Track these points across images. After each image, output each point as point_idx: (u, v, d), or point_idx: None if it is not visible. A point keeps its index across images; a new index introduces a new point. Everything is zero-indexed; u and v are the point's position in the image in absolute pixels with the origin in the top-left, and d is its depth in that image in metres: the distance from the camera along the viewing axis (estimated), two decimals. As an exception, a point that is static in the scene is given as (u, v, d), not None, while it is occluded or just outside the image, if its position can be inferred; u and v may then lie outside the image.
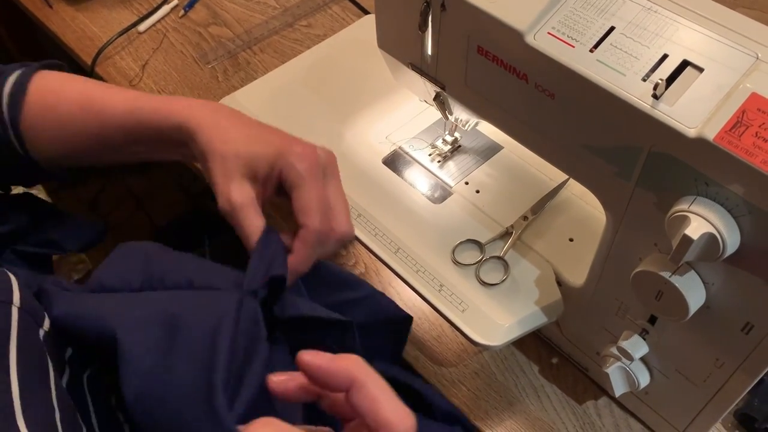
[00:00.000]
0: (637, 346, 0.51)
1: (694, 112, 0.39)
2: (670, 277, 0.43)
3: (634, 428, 0.59)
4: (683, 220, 0.40)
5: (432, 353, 0.64)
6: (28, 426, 0.39)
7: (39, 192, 1.01)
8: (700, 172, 0.39)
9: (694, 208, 0.40)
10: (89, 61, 0.88)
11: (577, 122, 0.45)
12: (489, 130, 0.67)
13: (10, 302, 0.42)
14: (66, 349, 0.48)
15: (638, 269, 0.45)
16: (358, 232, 0.61)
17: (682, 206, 0.40)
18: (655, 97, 0.40)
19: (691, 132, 0.38)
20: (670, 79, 0.40)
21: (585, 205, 0.61)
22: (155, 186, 1.52)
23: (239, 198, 0.49)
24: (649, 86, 0.40)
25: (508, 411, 0.60)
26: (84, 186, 1.56)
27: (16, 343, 0.41)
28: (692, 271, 0.43)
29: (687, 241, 0.39)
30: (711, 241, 0.39)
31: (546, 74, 0.45)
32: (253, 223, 0.50)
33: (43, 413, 0.41)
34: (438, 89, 0.55)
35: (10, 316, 0.42)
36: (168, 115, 0.53)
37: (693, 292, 0.43)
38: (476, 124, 0.61)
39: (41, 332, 0.45)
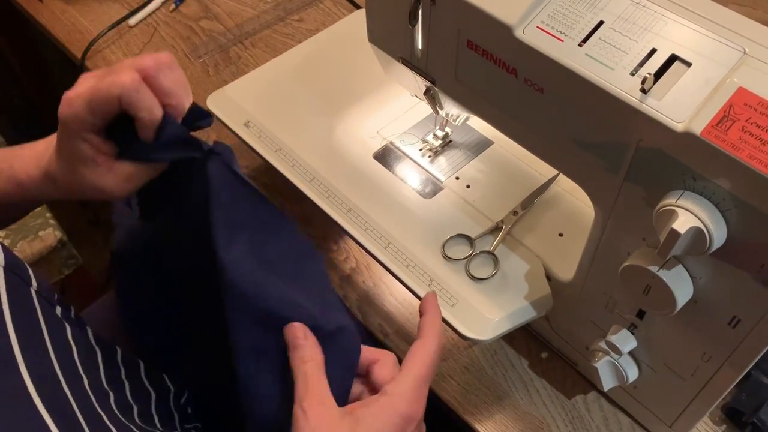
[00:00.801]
0: (625, 341, 0.51)
1: (681, 107, 0.39)
2: (657, 271, 0.43)
3: (623, 422, 0.59)
4: (671, 215, 0.40)
5: (422, 348, 0.64)
6: (33, 381, 0.39)
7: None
8: (688, 167, 0.39)
9: (681, 202, 0.40)
10: (79, 55, 0.87)
11: (566, 117, 0.45)
12: (480, 125, 0.67)
13: None
14: (55, 308, 0.48)
15: (626, 263, 0.45)
16: (348, 227, 0.61)
17: (669, 200, 0.40)
18: (643, 91, 0.40)
19: (679, 126, 0.38)
20: (658, 74, 0.40)
21: (574, 200, 0.61)
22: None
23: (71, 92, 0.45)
24: (637, 80, 0.40)
25: (497, 405, 0.60)
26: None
27: (8, 303, 0.42)
28: (680, 265, 0.44)
29: (674, 235, 0.39)
30: (698, 236, 0.39)
31: (535, 68, 0.45)
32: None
33: (45, 366, 0.42)
34: (428, 84, 0.55)
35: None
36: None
37: (680, 286, 0.43)
38: (467, 118, 0.61)
39: (31, 290, 0.45)
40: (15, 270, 0.44)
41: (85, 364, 0.47)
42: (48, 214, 0.98)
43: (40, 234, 0.96)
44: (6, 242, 0.95)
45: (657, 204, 0.41)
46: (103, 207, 1.52)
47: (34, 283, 0.46)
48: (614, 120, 0.42)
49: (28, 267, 0.46)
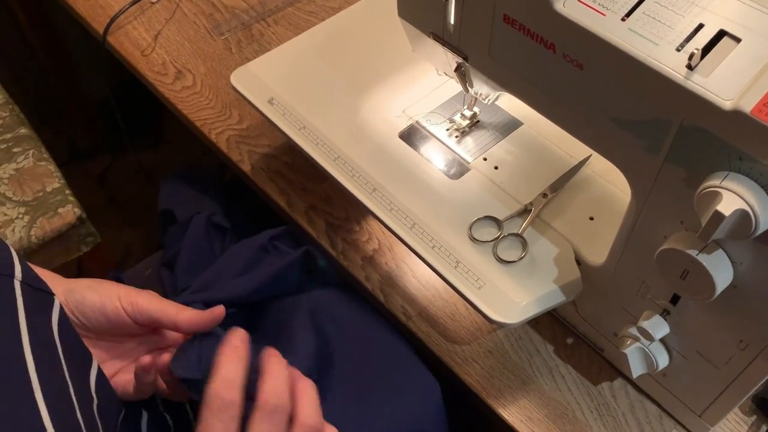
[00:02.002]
0: (658, 327, 0.50)
1: (730, 84, 0.38)
2: (697, 255, 0.42)
3: (650, 411, 0.58)
4: (714, 196, 0.39)
5: (445, 331, 0.63)
6: (47, 403, 0.39)
7: (48, 163, 1.01)
8: (734, 146, 0.38)
9: (726, 183, 0.38)
10: (101, 31, 0.87)
11: (606, 94, 0.43)
12: (509, 105, 0.66)
13: (12, 276, 0.42)
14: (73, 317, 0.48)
15: (663, 247, 0.44)
16: (373, 207, 0.60)
17: (713, 182, 0.39)
18: (690, 67, 0.38)
19: (727, 104, 0.37)
20: (706, 50, 0.39)
21: (606, 183, 0.60)
22: (165, 161, 1.52)
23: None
24: (683, 56, 0.39)
25: (521, 390, 0.59)
26: (93, 161, 1.55)
27: (24, 316, 0.41)
28: (720, 249, 0.42)
29: (718, 217, 0.38)
30: (743, 218, 0.38)
31: (575, 44, 0.43)
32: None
33: (59, 386, 0.41)
34: (460, 60, 0.54)
35: (14, 290, 0.42)
36: None
37: (720, 271, 0.42)
38: (497, 97, 0.59)
39: (54, 300, 0.44)
40: (32, 284, 0.43)
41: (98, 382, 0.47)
42: (67, 191, 0.98)
43: (60, 211, 0.96)
44: (26, 219, 0.95)
45: (699, 186, 0.40)
46: (121, 187, 1.52)
47: (56, 303, 0.45)
48: (657, 97, 0.40)
49: (42, 280, 0.45)
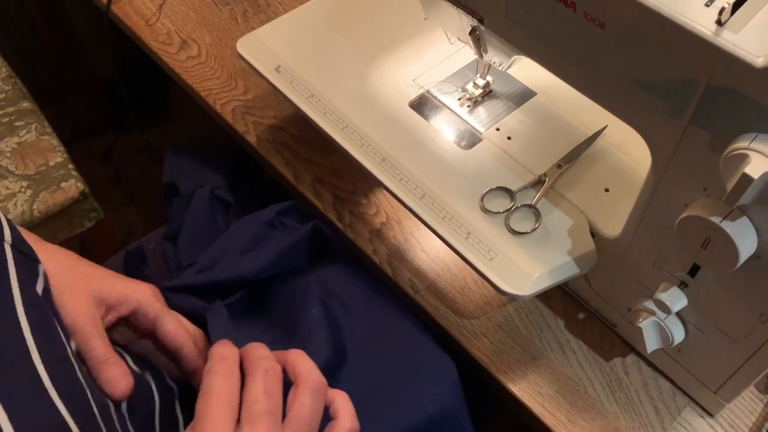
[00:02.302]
0: (675, 299, 0.48)
1: (761, 40, 0.36)
2: (720, 222, 0.41)
3: (663, 387, 0.57)
4: (742, 159, 0.37)
5: (454, 305, 0.62)
6: (46, 367, 0.38)
7: (51, 138, 0.99)
8: (765, 106, 0.36)
9: (755, 145, 0.37)
10: (105, 0, 0.85)
11: (629, 54, 0.42)
12: (522, 74, 0.64)
13: (2, 239, 0.41)
14: None
15: (685, 215, 0.43)
16: (382, 177, 0.59)
17: (741, 144, 0.37)
18: (719, 23, 0.37)
19: (759, 61, 0.35)
20: (736, 5, 0.37)
21: (622, 155, 0.58)
22: (170, 139, 1.50)
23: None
24: (712, 12, 0.37)
25: (531, 365, 0.58)
26: (97, 138, 1.54)
27: (17, 279, 0.40)
28: (744, 216, 0.41)
29: (746, 180, 0.36)
30: (772, 181, 0.36)
31: (596, 1, 0.41)
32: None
33: (57, 348, 0.41)
34: (475, 23, 0.52)
35: (4, 253, 0.41)
36: None
37: (744, 239, 0.41)
38: (511, 64, 0.57)
39: (39, 267, 0.43)
40: (21, 248, 0.43)
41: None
42: (70, 166, 0.96)
43: (63, 185, 0.95)
44: (28, 192, 0.94)
45: (725, 149, 0.39)
46: (125, 164, 1.51)
47: (40, 269, 0.44)
48: (684, 56, 0.39)
49: (29, 245, 0.44)
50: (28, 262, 0.43)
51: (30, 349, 0.38)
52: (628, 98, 0.44)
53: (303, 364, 0.43)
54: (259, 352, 0.43)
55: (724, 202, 0.39)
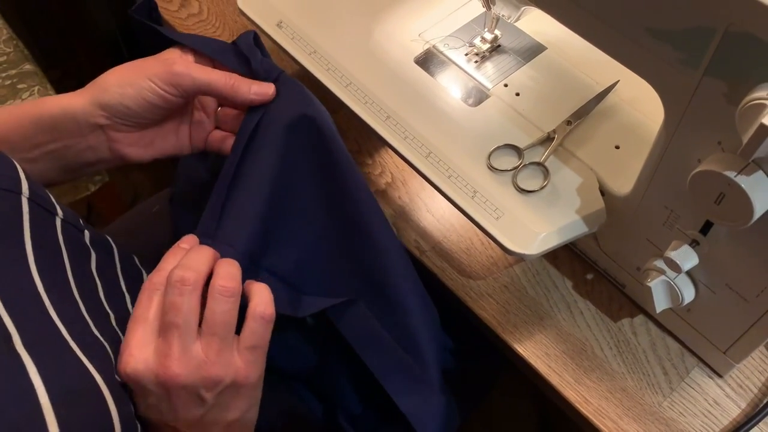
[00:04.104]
0: (686, 257, 0.47)
1: (784, -18, 0.34)
2: (735, 177, 0.39)
3: (672, 348, 0.56)
4: (760, 110, 0.35)
5: (460, 265, 0.61)
6: (63, 324, 0.39)
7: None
8: (786, 53, 0.34)
9: (773, 95, 0.35)
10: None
11: (642, 0, 0.40)
12: (532, 28, 0.62)
13: (20, 192, 0.42)
14: (84, 233, 0.47)
15: (699, 169, 0.41)
16: (386, 135, 0.57)
17: (759, 94, 0.36)
18: (740, -35, 0.35)
19: (781, 4, 0.33)
20: (759, -55, 0.35)
21: (633, 111, 0.57)
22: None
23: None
24: (732, -47, 0.35)
25: (538, 326, 0.58)
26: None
27: (29, 232, 0.41)
28: (760, 171, 0.39)
29: (763, 131, 0.35)
30: (791, 132, 0.35)
31: (610, -56, 0.39)
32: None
33: (70, 305, 0.41)
34: (482, -28, 0.50)
35: (20, 205, 0.41)
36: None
37: (760, 193, 0.39)
38: (519, 16, 0.55)
39: (57, 220, 0.43)
40: (39, 201, 0.43)
41: (112, 300, 0.46)
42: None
43: (67, 148, 0.94)
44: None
45: (742, 100, 0.37)
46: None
47: (59, 212, 0.45)
48: (701, 1, 0.37)
49: (50, 196, 0.45)
50: (44, 214, 0.43)
51: (46, 305, 0.39)
52: (641, 48, 0.42)
53: (217, 270, 0.43)
54: (180, 262, 0.43)
55: (739, 156, 0.38)
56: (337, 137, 0.50)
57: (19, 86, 1.01)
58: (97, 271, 0.46)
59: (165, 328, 0.40)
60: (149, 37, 0.54)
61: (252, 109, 0.51)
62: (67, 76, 1.52)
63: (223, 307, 0.41)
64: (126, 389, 0.40)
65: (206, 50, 0.52)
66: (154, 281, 0.42)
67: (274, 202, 0.50)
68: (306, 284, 0.53)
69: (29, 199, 0.42)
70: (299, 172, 0.51)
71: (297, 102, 0.50)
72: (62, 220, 0.45)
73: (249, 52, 0.51)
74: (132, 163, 0.53)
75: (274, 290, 0.45)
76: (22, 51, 1.05)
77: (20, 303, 0.37)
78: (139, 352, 0.40)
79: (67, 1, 1.39)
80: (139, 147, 0.52)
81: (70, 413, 0.34)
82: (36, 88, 1.01)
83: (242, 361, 0.42)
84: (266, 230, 0.50)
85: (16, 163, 0.43)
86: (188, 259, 0.43)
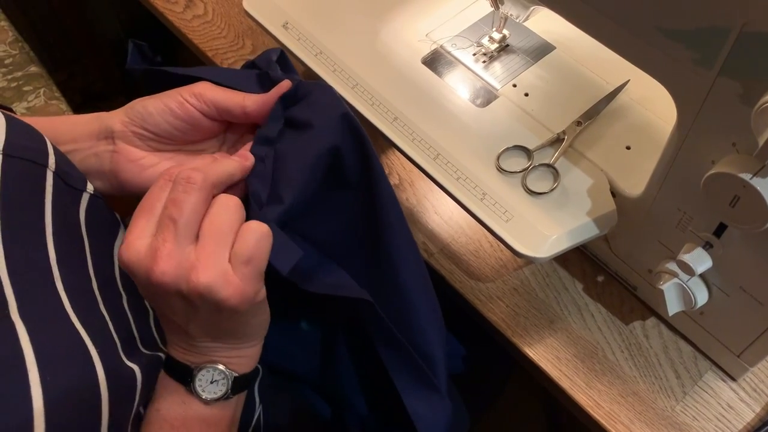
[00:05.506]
0: (700, 260, 0.46)
1: (802, -20, 0.33)
2: (750, 179, 0.38)
3: (684, 351, 0.55)
4: (777, 110, 0.35)
5: (468, 268, 0.61)
6: (68, 296, 0.39)
7: (60, 102, 0.98)
8: (804, 53, 0.34)
9: (791, 95, 0.34)
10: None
11: None
12: (540, 28, 0.61)
13: (46, 165, 0.42)
14: (114, 213, 0.48)
15: (713, 171, 0.40)
16: (394, 137, 0.57)
17: (775, 94, 0.35)
18: (755, -38, 0.34)
19: (798, 3, 0.33)
20: (775, -58, 0.34)
21: (645, 111, 0.56)
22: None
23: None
24: (748, -50, 0.34)
25: (548, 329, 0.57)
26: (106, 104, 1.53)
27: (51, 205, 0.41)
28: (776, 172, 0.38)
29: (780, 133, 0.34)
30: (809, 134, 0.34)
31: (621, -57, 0.39)
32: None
33: (81, 279, 0.41)
34: (490, -29, 0.49)
35: (45, 179, 0.42)
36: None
37: (776, 196, 0.38)
38: (528, 15, 0.55)
39: (85, 195, 0.45)
40: (64, 176, 0.43)
41: (127, 280, 0.46)
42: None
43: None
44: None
45: (758, 100, 0.36)
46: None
47: (89, 187, 0.45)
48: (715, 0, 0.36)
49: (79, 171, 0.45)
50: (70, 190, 0.43)
51: (54, 277, 0.39)
52: (653, 48, 0.41)
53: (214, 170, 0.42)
54: (196, 164, 0.42)
55: (755, 158, 0.37)
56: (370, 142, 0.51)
57: (25, 88, 1.01)
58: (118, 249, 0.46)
59: (163, 222, 0.39)
60: (160, 80, 0.54)
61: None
62: (72, 78, 1.52)
63: (225, 216, 0.40)
64: (122, 368, 0.40)
65: (224, 80, 0.50)
66: (172, 173, 0.41)
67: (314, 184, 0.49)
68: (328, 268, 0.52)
69: (55, 173, 0.42)
70: (343, 164, 0.50)
71: (337, 102, 0.49)
72: (91, 195, 0.45)
73: (267, 67, 0.51)
74: (123, 190, 0.50)
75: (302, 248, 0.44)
76: (27, 53, 1.05)
77: (27, 272, 0.37)
78: (137, 242, 0.39)
79: (72, 3, 1.39)
80: (138, 166, 0.50)
81: (54, 379, 0.34)
82: (42, 90, 1.01)
83: (238, 276, 0.39)
84: (306, 203, 0.49)
85: (47, 139, 0.43)
86: (206, 164, 0.42)
